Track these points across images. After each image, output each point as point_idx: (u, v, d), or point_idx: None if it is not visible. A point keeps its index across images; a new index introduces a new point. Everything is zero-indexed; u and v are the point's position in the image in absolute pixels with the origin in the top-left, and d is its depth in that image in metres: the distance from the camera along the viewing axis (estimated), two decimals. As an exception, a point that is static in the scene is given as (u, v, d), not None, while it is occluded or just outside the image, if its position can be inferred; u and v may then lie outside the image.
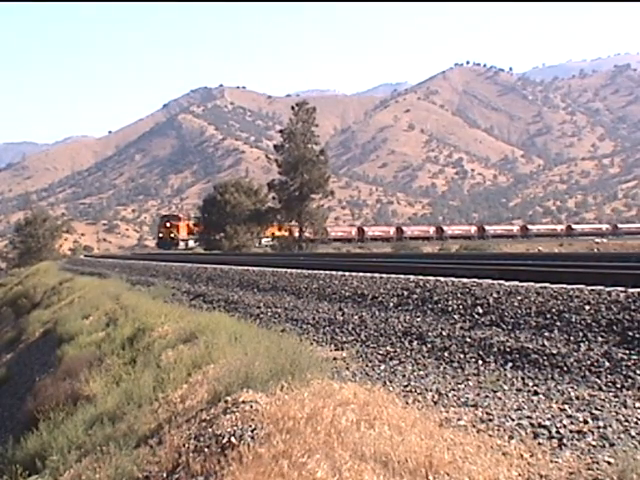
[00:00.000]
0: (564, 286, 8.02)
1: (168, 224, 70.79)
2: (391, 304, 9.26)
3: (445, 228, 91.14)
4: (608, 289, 7.51)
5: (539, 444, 3.84)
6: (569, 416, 4.39)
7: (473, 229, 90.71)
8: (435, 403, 4.89)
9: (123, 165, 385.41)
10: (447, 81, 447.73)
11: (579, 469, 3.42)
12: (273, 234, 66.28)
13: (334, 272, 13.49)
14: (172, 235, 69.47)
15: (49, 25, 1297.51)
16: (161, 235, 72.00)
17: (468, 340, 6.88)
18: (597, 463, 3.49)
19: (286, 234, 63.64)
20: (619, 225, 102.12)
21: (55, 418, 8.05)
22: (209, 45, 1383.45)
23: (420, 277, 10.66)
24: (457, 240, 74.76)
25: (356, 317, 8.90)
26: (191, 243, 71.52)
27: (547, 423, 4.23)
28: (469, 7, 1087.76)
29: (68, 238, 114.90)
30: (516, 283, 8.75)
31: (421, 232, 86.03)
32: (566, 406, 4.65)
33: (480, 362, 6.21)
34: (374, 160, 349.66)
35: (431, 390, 5.29)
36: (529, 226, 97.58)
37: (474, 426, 4.23)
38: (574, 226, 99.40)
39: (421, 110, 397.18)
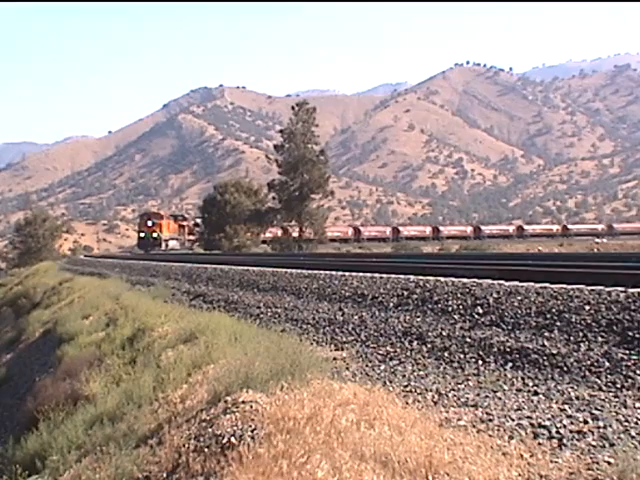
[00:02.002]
0: (564, 286, 8.00)
1: (150, 222, 63.83)
2: (391, 304, 9.25)
3: (401, 229, 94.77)
4: (608, 289, 7.49)
5: (539, 444, 3.84)
6: (569, 416, 4.38)
7: (428, 230, 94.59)
8: (435, 403, 4.89)
9: (123, 165, 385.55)
10: (447, 81, 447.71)
11: (579, 469, 3.42)
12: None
13: (334, 272, 13.47)
14: (155, 235, 62.99)
15: (49, 25, 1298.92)
16: (142, 235, 64.59)
17: (468, 340, 6.87)
18: (597, 463, 3.49)
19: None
20: (569, 226, 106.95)
21: (55, 418, 8.05)
22: (209, 45, 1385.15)
23: (420, 277, 10.65)
24: (412, 241, 78.65)
25: (356, 317, 8.89)
26: (172, 243, 65.94)
27: (547, 423, 4.23)
28: (469, 7, 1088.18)
29: (68, 238, 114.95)
30: (516, 283, 8.73)
31: (378, 233, 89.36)
32: (566, 406, 4.65)
33: (480, 362, 6.21)
34: (374, 160, 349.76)
35: (431, 390, 5.29)
36: (482, 227, 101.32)
37: (474, 426, 4.23)
38: (525, 227, 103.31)
39: (421, 110, 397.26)
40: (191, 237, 75.22)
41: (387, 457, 3.51)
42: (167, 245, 64.41)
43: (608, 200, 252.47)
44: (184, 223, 73.02)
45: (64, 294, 23.49)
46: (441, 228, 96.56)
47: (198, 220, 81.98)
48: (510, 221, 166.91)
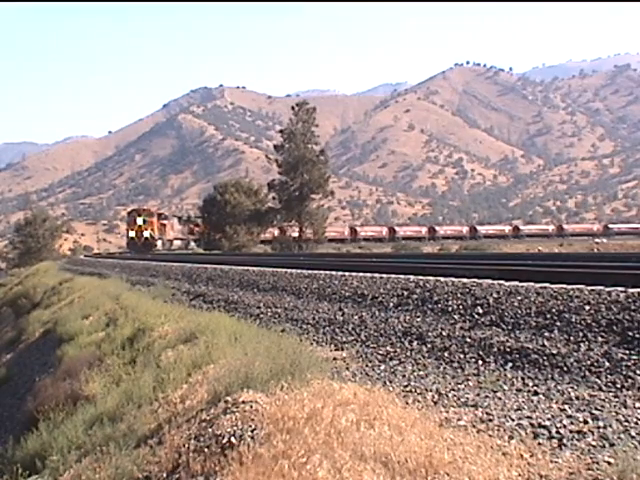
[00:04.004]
0: (564, 286, 8.00)
1: (140, 220, 58.86)
2: (391, 304, 9.25)
3: (358, 229, 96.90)
4: (608, 289, 7.49)
5: (539, 444, 3.84)
6: (569, 416, 4.38)
7: (384, 231, 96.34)
8: (435, 403, 4.89)
9: (123, 165, 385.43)
10: (447, 81, 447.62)
11: (579, 469, 3.42)
12: None
13: (334, 272, 13.47)
14: (147, 234, 57.91)
15: (49, 25, 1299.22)
16: (132, 234, 59.23)
17: (468, 340, 6.87)
18: (597, 463, 3.49)
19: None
20: (521, 227, 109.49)
21: (55, 418, 8.05)
22: (209, 45, 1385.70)
23: (420, 277, 10.65)
24: (369, 242, 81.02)
25: (356, 317, 8.89)
26: (159, 244, 61.60)
27: (547, 423, 4.23)
28: (469, 7, 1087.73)
29: (68, 238, 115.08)
30: (516, 283, 8.73)
31: (337, 234, 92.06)
32: (566, 406, 4.65)
33: (480, 362, 6.21)
34: (374, 160, 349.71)
35: (431, 390, 5.29)
36: (436, 228, 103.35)
37: (474, 426, 4.23)
38: (478, 227, 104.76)
39: (421, 110, 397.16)
40: (190, 237, 75.14)
41: (387, 457, 3.50)
42: (156, 245, 61.02)
43: (608, 200, 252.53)
44: (165, 222, 70.01)
45: (64, 294, 23.48)
46: (397, 229, 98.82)
47: (175, 219, 79.81)
48: (510, 221, 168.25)
